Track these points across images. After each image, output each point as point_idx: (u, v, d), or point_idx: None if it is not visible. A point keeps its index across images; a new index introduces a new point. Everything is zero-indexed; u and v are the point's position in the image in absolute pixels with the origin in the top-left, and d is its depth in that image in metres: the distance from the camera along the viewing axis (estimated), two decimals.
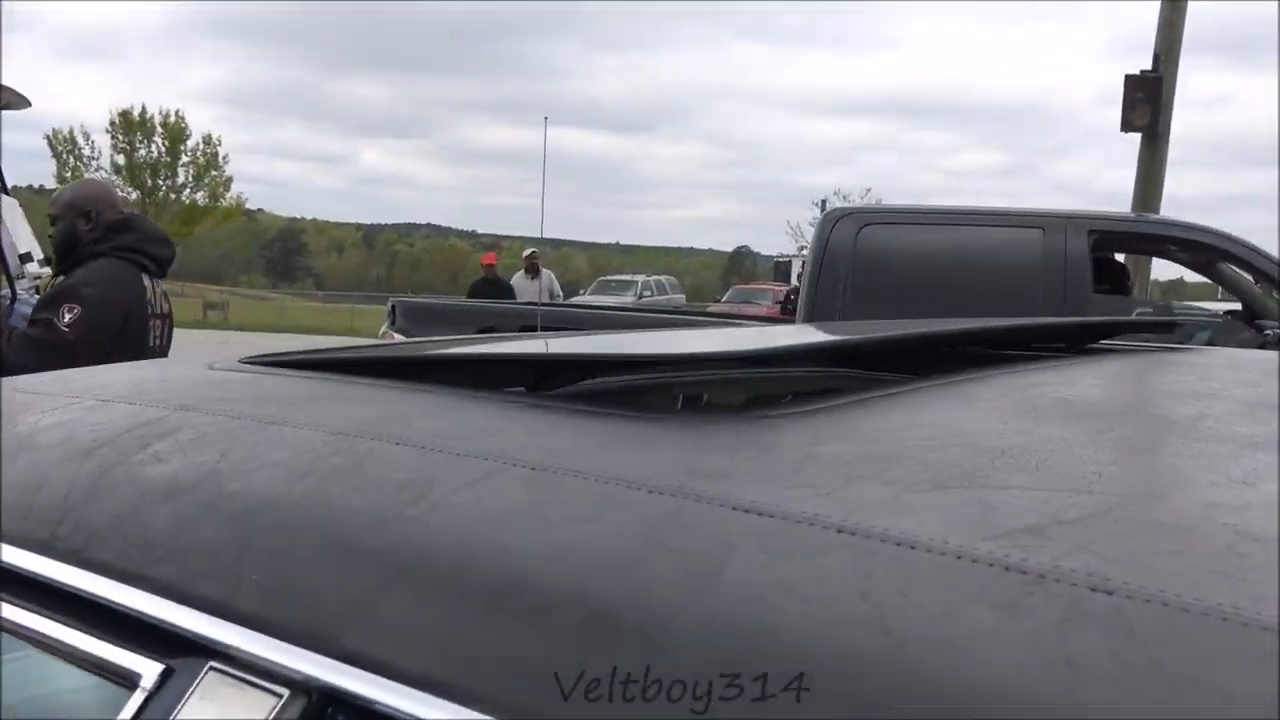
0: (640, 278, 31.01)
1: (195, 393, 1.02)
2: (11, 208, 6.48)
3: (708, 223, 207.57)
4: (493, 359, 1.23)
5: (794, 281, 18.70)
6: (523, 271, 11.26)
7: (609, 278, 33.37)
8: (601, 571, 0.59)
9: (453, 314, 7.23)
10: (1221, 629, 0.47)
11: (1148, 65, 9.93)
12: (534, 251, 11.47)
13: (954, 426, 0.84)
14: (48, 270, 6.68)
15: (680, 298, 30.58)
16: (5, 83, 5.61)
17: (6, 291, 5.86)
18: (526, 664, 0.56)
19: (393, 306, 7.05)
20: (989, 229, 5.52)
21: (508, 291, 10.96)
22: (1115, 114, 9.84)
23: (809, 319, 5.39)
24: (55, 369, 1.79)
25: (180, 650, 0.67)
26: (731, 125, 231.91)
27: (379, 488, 0.71)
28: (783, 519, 0.61)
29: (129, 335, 3.08)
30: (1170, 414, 0.93)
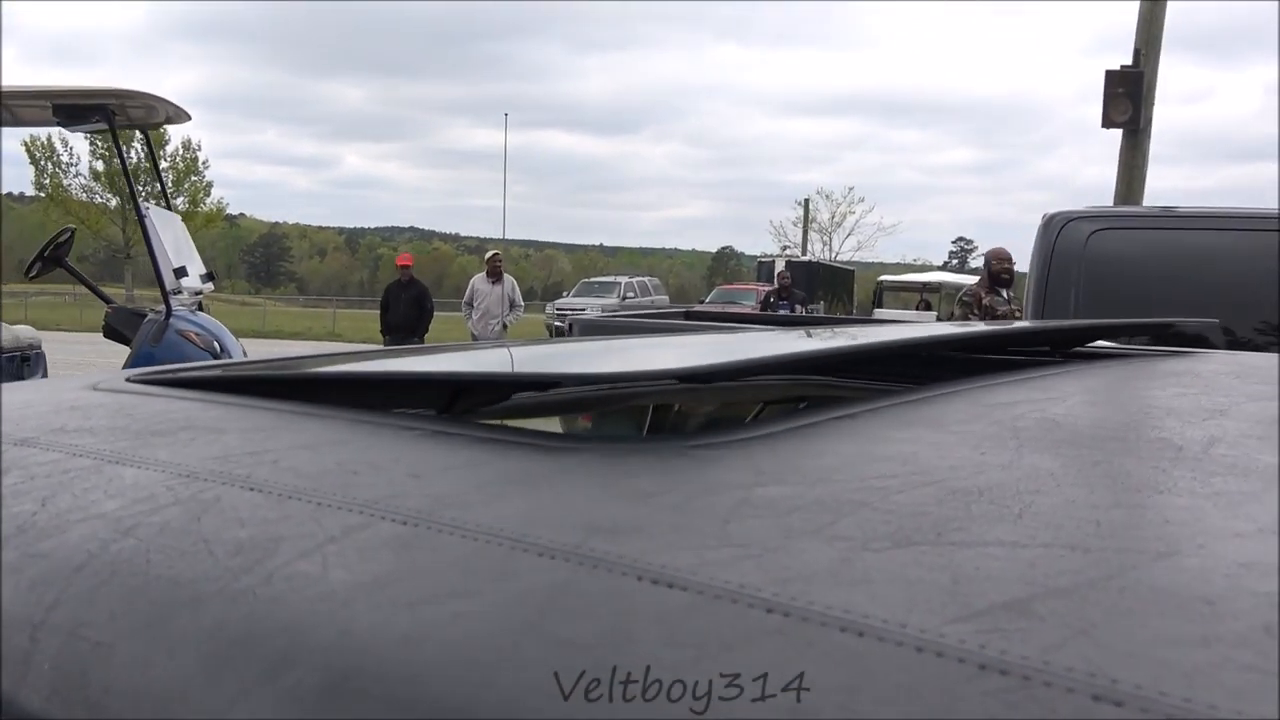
0: (623, 279, 30.74)
1: (48, 422, 0.88)
2: (167, 220, 6.12)
3: (691, 223, 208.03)
4: (407, 378, 1.08)
5: (775, 282, 18.53)
6: (484, 274, 10.69)
7: (592, 279, 33.15)
8: (461, 672, 0.45)
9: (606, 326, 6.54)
10: None
11: (1128, 62, 9.84)
12: (496, 254, 10.91)
13: (920, 458, 0.71)
14: (210, 285, 6.34)
15: (663, 299, 30.37)
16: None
17: (162, 307, 5.61)
18: None
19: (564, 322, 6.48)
20: (1236, 233, 5.05)
21: (425, 295, 10.55)
22: (1097, 110, 9.76)
23: None
24: None
25: None
26: (713, 125, 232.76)
27: (210, 550, 0.58)
28: (698, 593, 0.48)
29: None
30: (1177, 438, 0.79)
